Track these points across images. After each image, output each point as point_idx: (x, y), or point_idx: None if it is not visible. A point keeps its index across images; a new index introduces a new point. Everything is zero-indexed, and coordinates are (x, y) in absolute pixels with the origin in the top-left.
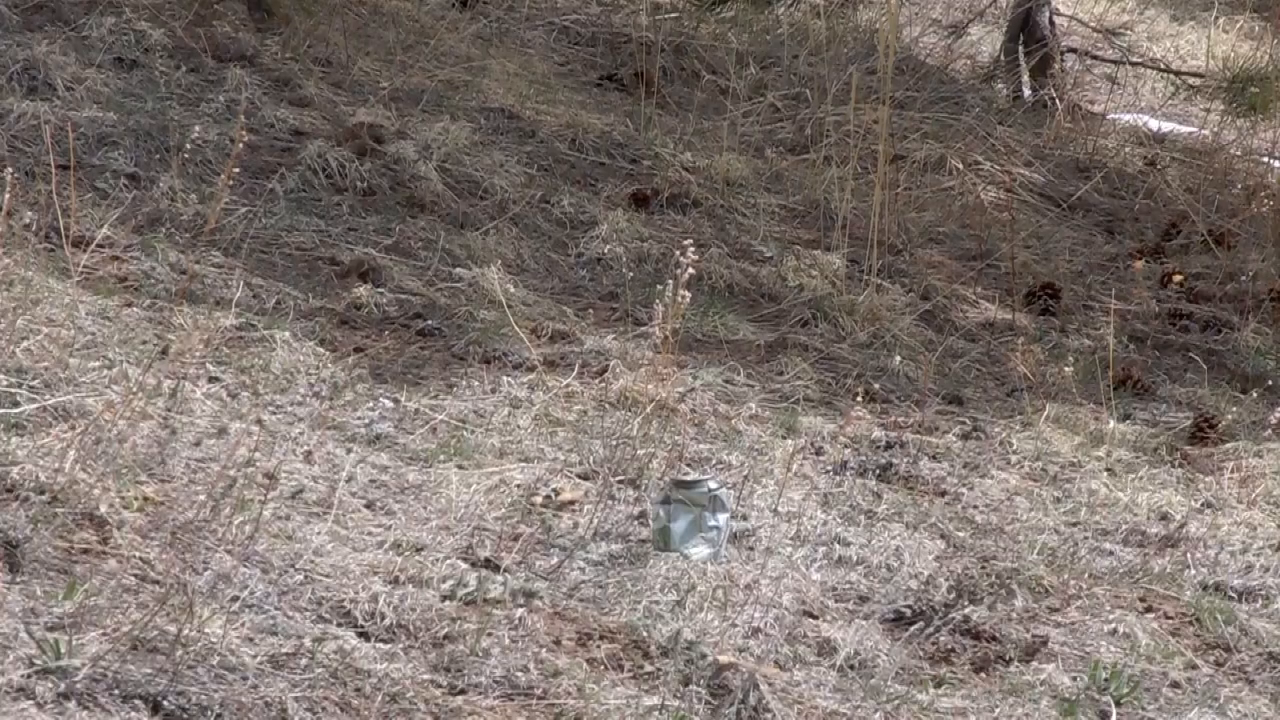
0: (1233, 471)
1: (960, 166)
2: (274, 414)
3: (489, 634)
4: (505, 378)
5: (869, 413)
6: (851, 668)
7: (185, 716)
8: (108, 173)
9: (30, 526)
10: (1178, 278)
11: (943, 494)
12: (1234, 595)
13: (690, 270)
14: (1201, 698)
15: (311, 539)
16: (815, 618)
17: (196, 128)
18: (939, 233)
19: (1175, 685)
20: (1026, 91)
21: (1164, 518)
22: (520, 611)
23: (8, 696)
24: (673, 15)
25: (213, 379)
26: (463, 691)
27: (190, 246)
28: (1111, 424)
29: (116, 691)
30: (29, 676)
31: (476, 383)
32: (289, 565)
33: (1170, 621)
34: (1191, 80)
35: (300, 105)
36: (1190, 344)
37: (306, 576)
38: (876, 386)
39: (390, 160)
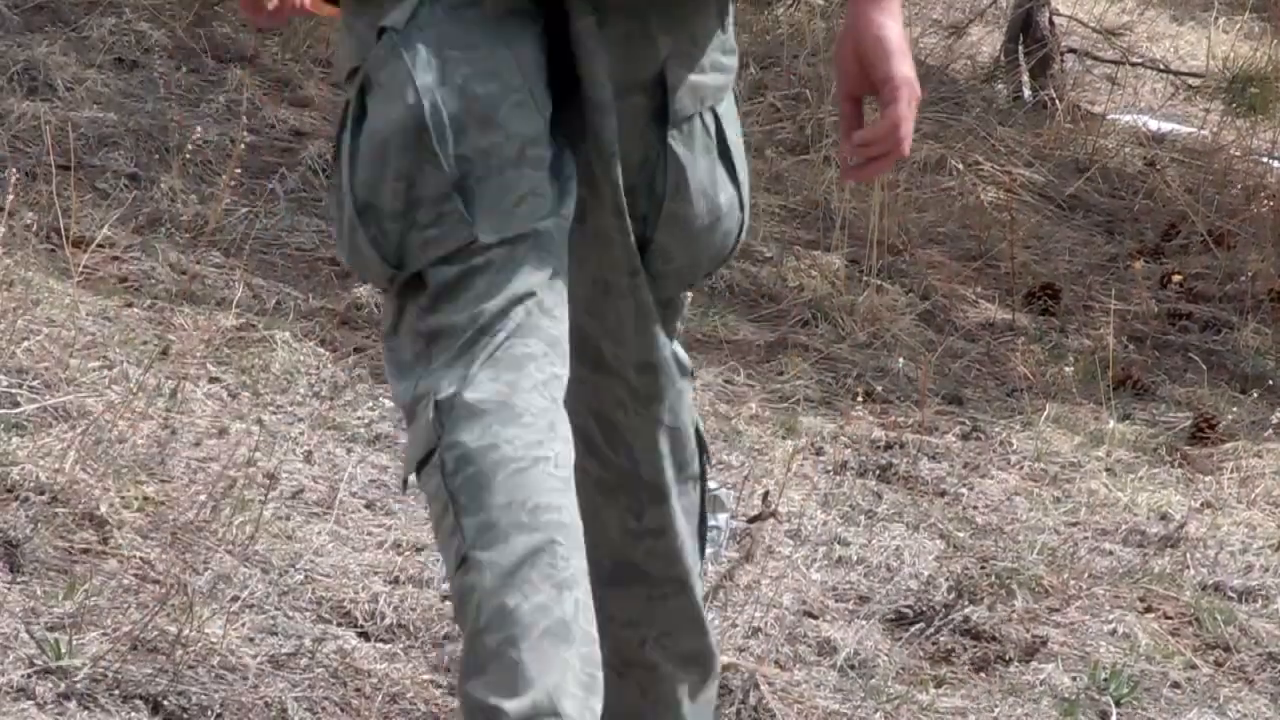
0: (1232, 471)
1: (960, 167)
2: (274, 414)
3: None
4: None
5: (869, 413)
6: (852, 668)
7: (185, 716)
8: (108, 173)
9: (30, 526)
10: (1177, 278)
11: (943, 494)
12: (1234, 595)
13: None
14: (1201, 698)
15: (312, 539)
16: (815, 618)
17: (198, 128)
18: (939, 233)
19: (1175, 685)
20: (1026, 92)
21: (1164, 518)
22: None
23: (8, 696)
24: None
25: (213, 379)
26: None
27: (191, 247)
28: (1111, 424)
29: (117, 692)
30: (29, 676)
31: None
32: (289, 565)
33: (1170, 621)
34: (1191, 80)
35: (300, 105)
36: (1190, 344)
37: (307, 576)
38: (877, 387)
39: None
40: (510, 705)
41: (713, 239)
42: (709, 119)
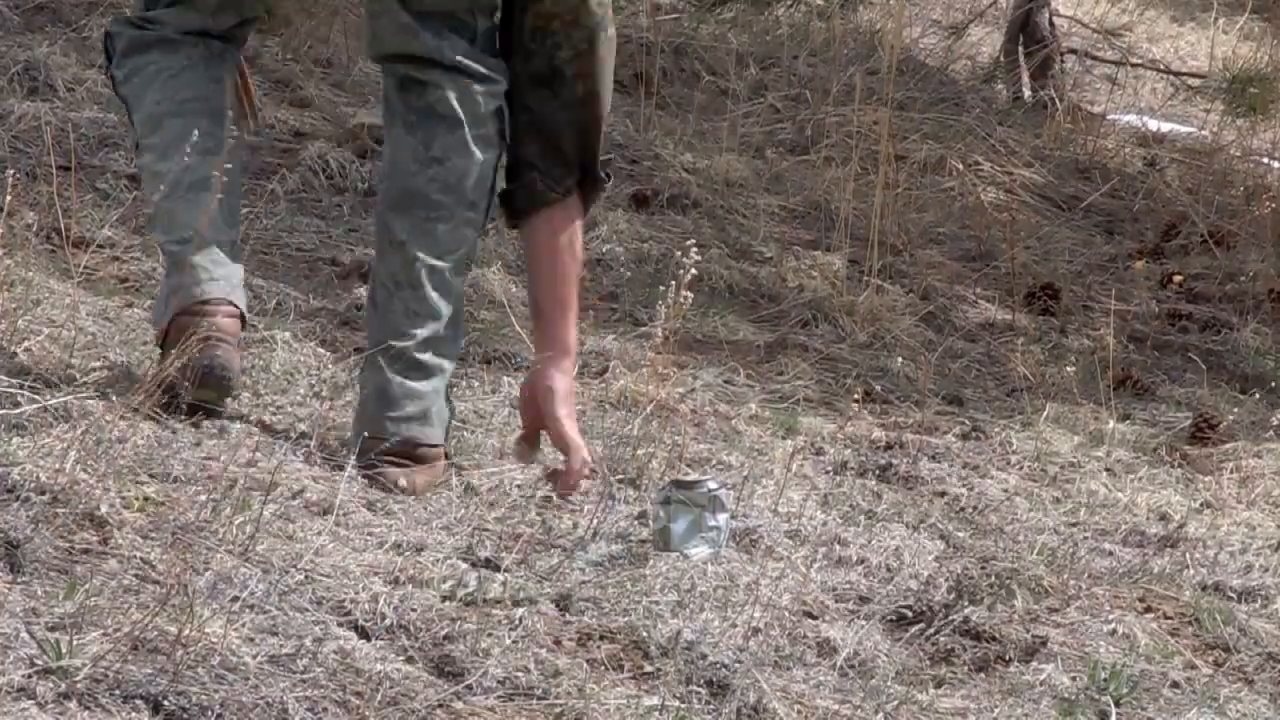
0: (1232, 472)
1: (960, 167)
2: (274, 414)
3: (489, 634)
4: (506, 378)
5: (869, 413)
6: (852, 668)
7: (186, 717)
8: (108, 174)
9: (31, 527)
10: (1177, 278)
11: (942, 494)
12: (1233, 595)
13: (692, 271)
14: (1201, 698)
15: (312, 539)
16: (815, 618)
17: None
18: (939, 233)
19: (1175, 685)
20: (1026, 92)
21: (1163, 518)
22: (520, 611)
23: (8, 696)
24: (672, 16)
25: None
26: (463, 692)
27: None
28: (1111, 424)
29: (117, 692)
30: (30, 677)
31: (477, 383)
32: (289, 565)
33: (1170, 622)
34: (1191, 81)
35: (300, 106)
36: (1190, 344)
37: (307, 576)
38: (876, 387)
39: None
40: (165, 239)
41: None
42: None
